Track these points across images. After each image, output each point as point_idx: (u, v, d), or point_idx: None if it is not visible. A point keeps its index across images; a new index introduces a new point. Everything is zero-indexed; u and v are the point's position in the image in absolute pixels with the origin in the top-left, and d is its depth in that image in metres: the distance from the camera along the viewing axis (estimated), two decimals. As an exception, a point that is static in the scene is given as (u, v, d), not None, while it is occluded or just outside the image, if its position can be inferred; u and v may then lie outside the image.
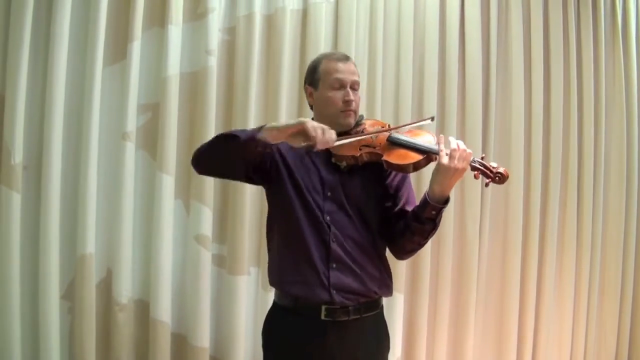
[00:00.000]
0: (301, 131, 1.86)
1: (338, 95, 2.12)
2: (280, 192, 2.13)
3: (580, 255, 3.80)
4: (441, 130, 3.48)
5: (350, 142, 2.02)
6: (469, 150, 1.98)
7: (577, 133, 3.79)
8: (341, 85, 2.12)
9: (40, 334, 2.79)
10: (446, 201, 2.01)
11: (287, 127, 1.89)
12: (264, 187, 2.20)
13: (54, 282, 2.80)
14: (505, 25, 3.69)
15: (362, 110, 3.23)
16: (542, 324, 3.72)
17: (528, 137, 3.70)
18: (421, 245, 2.11)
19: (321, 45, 3.23)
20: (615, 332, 3.91)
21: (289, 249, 2.10)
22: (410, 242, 2.09)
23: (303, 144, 1.86)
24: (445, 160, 1.95)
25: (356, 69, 2.19)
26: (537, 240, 3.70)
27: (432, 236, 2.08)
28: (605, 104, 3.86)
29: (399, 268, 3.29)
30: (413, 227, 2.04)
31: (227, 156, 1.99)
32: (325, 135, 1.86)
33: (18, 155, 2.76)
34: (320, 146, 1.86)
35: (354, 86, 2.15)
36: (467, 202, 3.55)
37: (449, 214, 3.48)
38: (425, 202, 2.00)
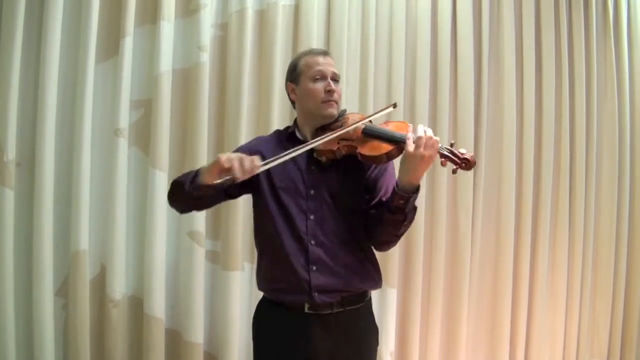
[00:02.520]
0: (219, 166, 1.86)
1: (319, 86, 2.15)
2: (259, 203, 2.18)
3: (573, 249, 3.82)
4: (433, 125, 3.48)
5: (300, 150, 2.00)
6: (435, 138, 1.95)
7: (569, 129, 3.80)
8: (322, 76, 2.15)
9: (34, 330, 2.79)
10: (415, 190, 2.00)
11: (211, 166, 1.92)
12: (251, 194, 2.24)
13: (47, 279, 2.80)
14: (496, 21, 3.70)
15: (354, 107, 3.26)
16: (535, 318, 3.73)
17: (520, 133, 3.72)
18: (396, 236, 2.11)
19: (313, 40, 3.24)
20: (608, 327, 3.92)
21: (270, 257, 2.15)
22: (385, 233, 2.09)
23: (221, 179, 1.87)
24: (410, 147, 1.94)
25: (334, 63, 2.23)
26: (530, 234, 3.71)
27: (405, 228, 2.08)
28: (597, 99, 3.88)
29: (392, 262, 3.30)
30: (384, 217, 2.04)
31: (189, 199, 2.07)
32: (244, 164, 1.84)
33: (11, 152, 2.75)
34: (241, 175, 1.84)
35: (335, 77, 2.18)
36: (459, 196, 3.56)
37: (441, 208, 3.49)
38: (393, 191, 2.01)
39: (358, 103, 3.33)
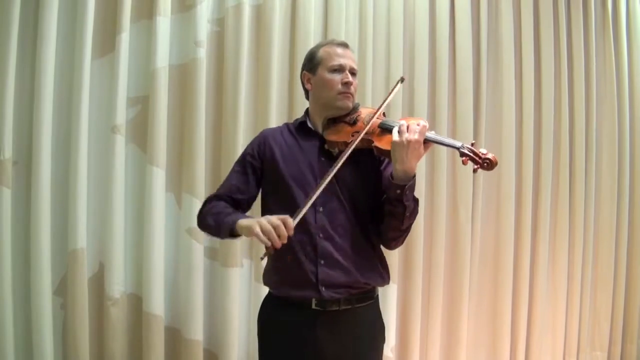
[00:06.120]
0: (255, 236, 1.88)
1: (337, 77, 2.13)
2: (265, 195, 2.17)
3: (573, 242, 3.82)
4: (432, 119, 3.47)
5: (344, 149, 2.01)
6: (422, 123, 1.94)
7: (568, 123, 3.80)
8: (340, 68, 2.14)
9: (33, 330, 2.78)
10: (410, 179, 1.97)
11: (248, 231, 1.92)
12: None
13: (46, 278, 2.79)
14: (495, 14, 3.69)
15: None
16: (535, 311, 3.73)
17: (519, 128, 3.71)
18: (402, 231, 2.08)
19: (311, 35, 3.22)
20: (609, 319, 3.93)
21: (277, 251, 2.10)
22: (391, 228, 2.07)
23: (263, 255, 1.89)
24: (395, 136, 1.94)
25: (354, 57, 2.21)
26: (530, 227, 3.71)
27: (409, 222, 2.05)
28: (596, 93, 3.87)
29: (392, 258, 3.28)
30: (386, 210, 2.03)
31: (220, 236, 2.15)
32: (279, 232, 1.85)
33: (8, 150, 2.74)
34: (278, 245, 1.85)
35: (353, 71, 2.16)
36: (458, 190, 3.55)
37: (440, 202, 3.48)
38: (389, 182, 1.99)
39: (357, 96, 3.29)
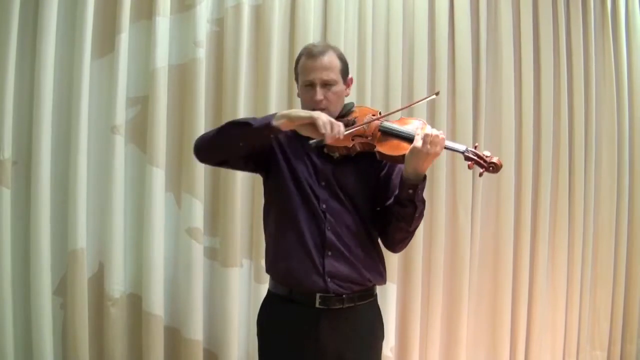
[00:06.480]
0: (311, 124, 1.92)
1: (307, 95, 2.13)
2: (277, 179, 2.16)
3: (573, 241, 3.81)
4: (432, 118, 3.47)
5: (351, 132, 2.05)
6: (442, 136, 1.98)
7: (567, 122, 3.79)
8: (310, 84, 2.12)
9: (32, 330, 2.78)
10: (422, 179, 2.01)
11: (298, 117, 1.96)
12: (261, 174, 2.24)
13: (45, 278, 2.79)
14: (494, 14, 3.68)
15: (352, 99, 3.24)
16: (535, 310, 3.73)
17: (519, 128, 3.70)
18: (409, 232, 2.11)
19: (310, 35, 3.21)
20: (609, 318, 3.93)
21: (285, 236, 2.12)
22: (398, 230, 2.09)
23: (313, 141, 1.93)
24: (419, 143, 1.95)
25: (335, 61, 2.14)
26: (529, 227, 3.71)
27: (417, 222, 2.08)
28: (595, 92, 3.87)
29: (392, 258, 3.28)
30: (396, 211, 2.05)
31: (236, 143, 2.04)
32: (334, 130, 1.91)
33: (7, 150, 2.74)
34: (329, 141, 1.93)
35: (327, 83, 2.11)
36: (458, 191, 3.55)
37: (440, 202, 3.48)
38: (401, 182, 2.01)
39: (356, 96, 3.30)
